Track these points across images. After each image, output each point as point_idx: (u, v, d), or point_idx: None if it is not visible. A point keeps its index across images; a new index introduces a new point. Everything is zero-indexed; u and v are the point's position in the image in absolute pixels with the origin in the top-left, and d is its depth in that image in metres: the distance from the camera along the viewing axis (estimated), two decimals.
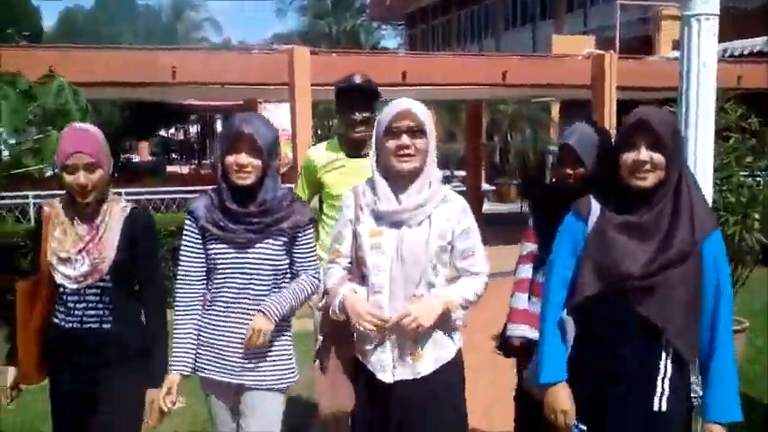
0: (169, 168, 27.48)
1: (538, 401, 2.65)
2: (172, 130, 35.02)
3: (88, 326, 2.74)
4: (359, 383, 2.73)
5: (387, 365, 2.64)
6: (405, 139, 2.59)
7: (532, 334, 3.07)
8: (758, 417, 4.54)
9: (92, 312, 2.74)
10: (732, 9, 16.46)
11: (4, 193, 7.07)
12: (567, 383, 2.50)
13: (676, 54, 4.16)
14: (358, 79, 3.64)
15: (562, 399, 2.50)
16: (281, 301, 2.75)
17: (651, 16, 18.00)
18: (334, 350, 2.76)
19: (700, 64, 4.24)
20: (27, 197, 9.32)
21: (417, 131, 2.60)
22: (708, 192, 3.84)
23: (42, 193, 8.78)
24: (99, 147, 2.71)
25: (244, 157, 2.66)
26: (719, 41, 11.96)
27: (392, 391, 2.64)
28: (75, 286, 2.72)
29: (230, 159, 2.67)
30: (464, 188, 15.84)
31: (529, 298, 3.22)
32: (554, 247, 2.61)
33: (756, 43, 13.52)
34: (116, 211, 2.77)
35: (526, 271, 3.22)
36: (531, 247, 3.23)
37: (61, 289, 2.75)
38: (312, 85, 9.19)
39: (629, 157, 2.38)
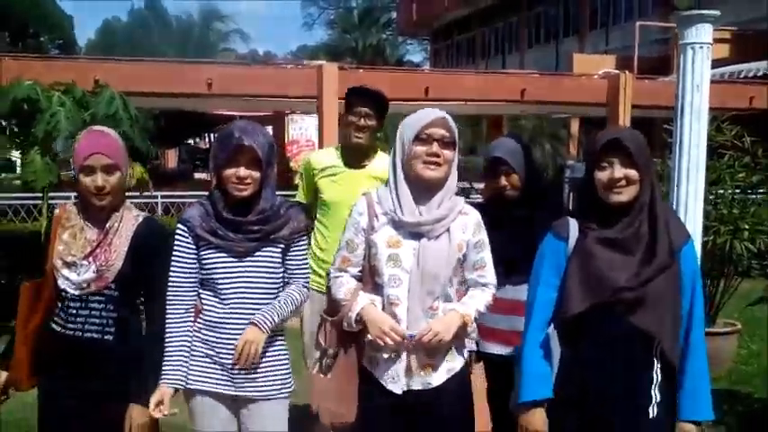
0: (196, 175, 28.13)
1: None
2: (197, 139, 35.70)
3: (89, 335, 2.66)
4: (365, 393, 2.68)
5: (399, 377, 2.61)
6: (435, 147, 2.56)
7: (486, 348, 3.17)
8: (749, 409, 4.94)
9: (94, 321, 2.66)
10: (750, 30, 16.80)
11: (61, 193, 7.52)
12: (553, 400, 2.52)
13: None
14: (368, 86, 3.63)
15: (536, 421, 2.52)
16: (272, 313, 2.68)
17: (670, 37, 18.34)
18: (343, 358, 2.72)
19: (694, 87, 4.68)
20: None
21: (448, 142, 2.58)
22: (700, 201, 4.26)
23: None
24: (118, 149, 2.66)
25: (243, 171, 2.60)
26: (735, 63, 12.45)
27: (401, 402, 2.62)
28: (77, 292, 2.64)
29: (229, 172, 2.60)
30: (482, 200, 16.18)
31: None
32: (535, 269, 2.61)
33: (761, 66, 13.76)
34: (128, 219, 2.70)
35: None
36: None
37: (63, 294, 2.66)
38: (340, 99, 9.71)
39: (604, 175, 2.44)
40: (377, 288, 2.64)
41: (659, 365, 2.45)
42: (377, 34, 41.64)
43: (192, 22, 45.81)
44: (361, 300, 2.62)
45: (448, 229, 2.60)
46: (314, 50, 47.01)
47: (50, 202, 7.38)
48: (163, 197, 9.17)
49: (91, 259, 2.63)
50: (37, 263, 2.77)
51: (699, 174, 4.46)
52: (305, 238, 2.82)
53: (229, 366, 2.68)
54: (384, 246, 2.60)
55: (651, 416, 2.44)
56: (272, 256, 2.70)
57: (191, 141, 35.05)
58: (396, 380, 2.61)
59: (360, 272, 2.70)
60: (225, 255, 2.65)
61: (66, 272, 2.64)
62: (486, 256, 2.71)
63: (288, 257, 2.76)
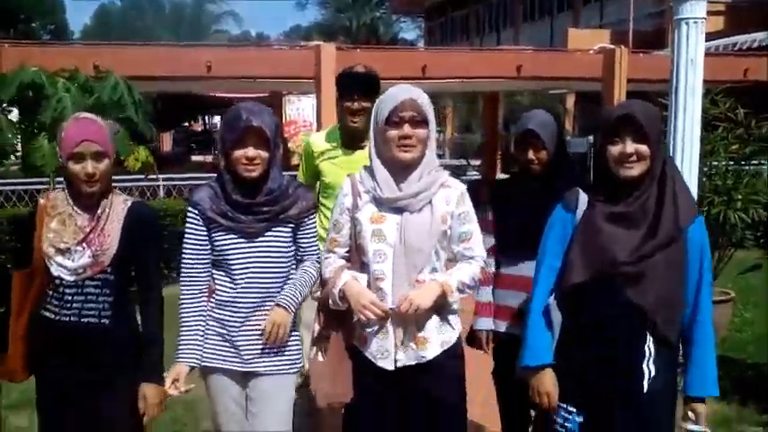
0: (192, 158, 28.18)
1: (521, 383, 2.68)
2: (191, 122, 35.69)
3: (86, 320, 2.65)
4: (357, 372, 2.68)
5: (389, 352, 2.61)
6: (407, 129, 2.56)
7: (497, 326, 3.15)
8: (743, 374, 5.09)
9: (91, 306, 2.65)
10: (744, 2, 16.83)
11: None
12: (552, 368, 2.56)
13: None
14: (360, 68, 3.61)
15: (546, 382, 2.55)
16: (295, 293, 2.74)
17: (665, 10, 18.38)
18: (334, 339, 2.73)
19: (688, 61, 4.79)
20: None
21: (419, 121, 2.58)
22: (694, 175, 4.38)
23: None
24: (106, 136, 2.66)
25: (252, 151, 2.62)
26: (730, 35, 12.52)
27: (394, 378, 2.62)
28: (73, 278, 2.63)
29: (238, 153, 2.62)
30: (480, 176, 16.35)
31: (493, 291, 3.19)
32: (543, 239, 2.64)
33: (762, 36, 13.83)
34: (117, 203, 2.70)
35: (489, 264, 3.10)
36: (491, 240, 3.15)
37: (57, 281, 2.64)
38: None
39: (615, 149, 2.43)
40: (364, 267, 2.65)
41: (652, 340, 2.45)
42: (370, 13, 41.39)
43: (185, 3, 45.75)
44: (343, 276, 2.63)
45: (430, 202, 2.61)
46: (307, 30, 46.82)
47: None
48: (164, 179, 9.26)
49: (85, 245, 2.62)
50: (23, 252, 2.75)
51: (693, 147, 4.57)
52: (314, 215, 2.85)
53: (238, 344, 2.73)
54: (368, 222, 2.62)
55: (645, 388, 2.45)
56: (282, 236, 2.73)
57: (185, 124, 35.01)
58: (385, 355, 2.61)
59: (348, 252, 2.72)
60: (235, 236, 2.68)
61: (59, 259, 2.62)
62: (472, 228, 2.70)
63: (298, 236, 2.79)
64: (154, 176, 9.13)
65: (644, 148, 2.40)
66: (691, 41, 4.76)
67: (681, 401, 2.60)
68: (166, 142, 34.81)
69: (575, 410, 2.51)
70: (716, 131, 5.62)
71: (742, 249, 6.21)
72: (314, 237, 2.85)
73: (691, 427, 2.53)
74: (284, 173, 2.83)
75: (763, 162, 5.80)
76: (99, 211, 2.66)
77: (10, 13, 34.54)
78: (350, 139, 3.66)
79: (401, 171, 2.61)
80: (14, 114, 6.80)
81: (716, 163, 5.62)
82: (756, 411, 4.49)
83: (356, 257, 2.68)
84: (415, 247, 2.57)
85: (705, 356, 2.51)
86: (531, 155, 3.02)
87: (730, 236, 5.61)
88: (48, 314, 2.68)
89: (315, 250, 2.84)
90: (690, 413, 2.53)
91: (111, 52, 9.46)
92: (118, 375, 2.67)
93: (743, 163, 5.69)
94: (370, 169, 2.68)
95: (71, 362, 2.65)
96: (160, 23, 38.60)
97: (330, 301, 2.67)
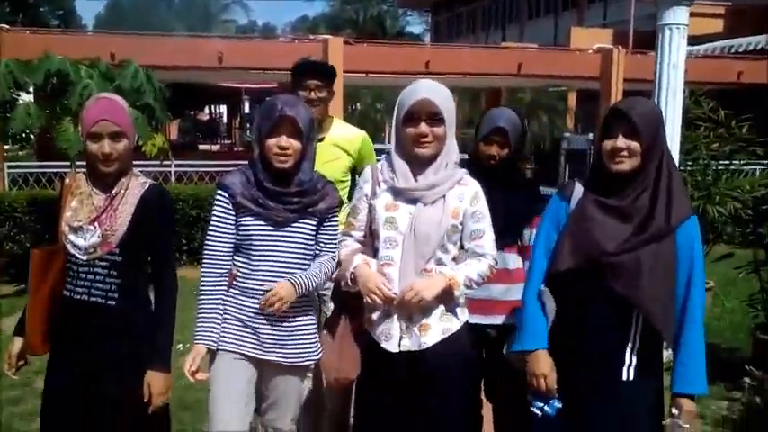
0: (200, 147, 28.56)
1: (514, 369, 2.73)
2: (196, 111, 36.04)
3: (94, 299, 2.66)
4: (365, 352, 2.76)
5: (393, 335, 2.67)
6: (423, 127, 2.61)
7: (485, 320, 3.14)
8: (718, 357, 5.43)
9: (99, 286, 2.66)
10: (742, 5, 17.12)
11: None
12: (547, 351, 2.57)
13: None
14: (314, 58, 3.57)
15: (543, 364, 2.56)
16: (309, 277, 2.74)
17: None
18: (344, 320, 2.82)
19: (670, 65, 5.17)
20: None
21: (436, 119, 2.62)
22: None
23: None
24: (125, 116, 2.65)
25: (285, 140, 2.65)
26: (728, 37, 12.84)
27: (397, 361, 2.67)
28: (84, 257, 2.64)
29: (272, 142, 2.65)
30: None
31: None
32: (538, 226, 2.71)
33: (761, 41, 14.08)
34: (134, 185, 2.70)
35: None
36: None
37: (72, 259, 2.66)
38: (344, 72, 10.19)
39: (607, 144, 2.47)
40: (377, 252, 2.73)
41: (638, 331, 2.49)
42: (377, 6, 41.68)
43: None
44: (356, 260, 2.72)
45: (444, 197, 2.67)
46: (314, 22, 47.13)
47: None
48: (176, 166, 9.67)
49: (96, 224, 2.63)
50: (49, 230, 2.80)
51: (674, 144, 4.96)
52: (338, 213, 2.87)
53: (258, 330, 2.74)
54: (382, 209, 2.70)
55: (624, 378, 2.49)
56: (307, 228, 2.75)
57: (191, 113, 35.36)
58: (389, 338, 2.68)
59: (363, 236, 2.81)
60: (263, 222, 2.70)
61: (73, 237, 2.64)
62: (484, 227, 2.74)
63: (321, 231, 2.81)
64: (168, 162, 9.52)
65: (635, 144, 2.43)
66: (673, 46, 5.14)
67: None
68: (173, 131, 35.18)
69: (555, 397, 2.54)
70: (698, 130, 5.98)
71: (731, 245, 6.44)
72: (335, 234, 2.85)
73: (669, 421, 2.53)
74: None
75: (742, 160, 6.16)
76: (114, 192, 2.66)
77: None
78: None
79: (419, 164, 2.67)
80: (24, 98, 7.12)
81: (697, 159, 5.98)
82: (726, 389, 4.86)
83: (370, 242, 2.77)
84: (423, 237, 2.63)
85: (694, 355, 2.50)
86: (494, 151, 3.11)
87: (711, 229, 5.97)
88: (65, 292, 2.70)
89: (333, 247, 2.85)
90: (673, 409, 2.52)
91: (128, 42, 9.87)
92: (124, 358, 2.66)
93: (722, 161, 6.05)
94: (389, 160, 2.75)
95: (81, 338, 2.66)
96: (171, 13, 39.09)
97: (342, 283, 2.77)
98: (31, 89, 7.19)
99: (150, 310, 2.73)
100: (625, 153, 2.43)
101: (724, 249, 6.28)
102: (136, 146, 7.01)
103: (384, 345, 2.68)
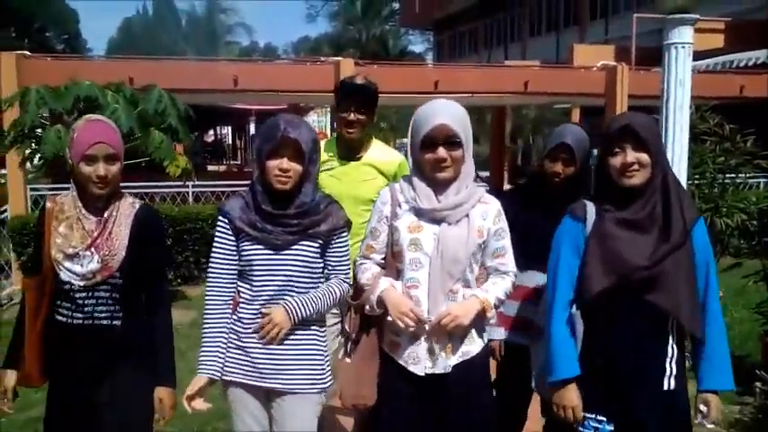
0: (208, 168, 28.85)
1: (522, 405, 2.84)
2: (200, 133, 36.42)
3: (99, 323, 2.64)
4: (387, 377, 2.72)
5: (420, 358, 2.65)
6: (441, 152, 2.59)
7: (507, 337, 3.20)
8: None
9: (102, 308, 2.64)
10: (741, 21, 17.38)
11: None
12: (576, 381, 2.56)
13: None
14: (360, 80, 3.57)
15: (572, 396, 2.55)
16: (306, 302, 2.66)
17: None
18: (363, 343, 2.78)
19: (677, 82, 5.37)
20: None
21: (454, 142, 2.60)
22: (683, 184, 4.93)
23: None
24: (119, 139, 2.64)
25: (286, 163, 2.58)
26: (729, 52, 13.07)
27: (422, 384, 2.65)
28: (83, 283, 2.60)
29: (272, 164, 2.58)
30: (487, 188, 16.84)
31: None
32: (554, 251, 2.65)
33: (761, 55, 14.32)
34: (125, 207, 2.69)
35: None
36: None
37: (67, 286, 2.61)
38: None
39: (616, 160, 2.50)
40: (399, 274, 2.70)
41: (675, 340, 2.52)
42: (380, 26, 42.08)
43: (199, 17, 46.82)
44: (382, 283, 2.68)
45: (467, 215, 2.65)
46: (316, 42, 47.57)
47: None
48: (193, 186, 9.92)
49: (93, 250, 2.60)
50: (34, 258, 2.74)
51: (682, 158, 5.15)
52: (346, 233, 2.78)
53: (258, 359, 2.67)
54: (406, 231, 2.65)
55: (666, 388, 2.51)
56: (309, 251, 2.67)
57: (196, 135, 35.67)
58: (416, 361, 2.65)
59: (383, 259, 2.76)
60: (262, 247, 2.64)
61: (68, 264, 2.60)
62: (506, 244, 2.74)
63: (328, 253, 2.74)
64: (182, 183, 9.74)
65: (644, 157, 2.47)
66: (679, 64, 5.35)
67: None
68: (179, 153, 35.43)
69: (604, 419, 2.53)
70: (704, 145, 6.18)
71: (738, 258, 6.59)
72: (344, 254, 2.78)
73: (700, 420, 2.57)
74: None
75: (747, 173, 6.35)
76: (106, 215, 2.64)
77: (25, 22, 35.29)
78: (346, 150, 3.60)
79: (441, 185, 2.65)
80: None
81: (704, 173, 6.18)
82: (737, 394, 5.03)
83: (392, 264, 2.72)
84: (451, 257, 2.60)
85: (718, 351, 2.53)
86: (559, 168, 3.05)
87: (718, 241, 6.15)
88: (60, 318, 2.66)
89: (344, 269, 2.78)
90: (701, 406, 2.56)
91: (145, 66, 10.14)
92: (131, 375, 2.66)
93: (728, 173, 6.25)
94: (409, 180, 2.72)
95: (84, 363, 2.64)
96: (178, 37, 39.86)
97: (367, 307, 2.71)
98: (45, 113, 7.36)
99: (148, 326, 2.73)
100: (636, 167, 2.48)
101: (731, 262, 6.44)
102: (161, 166, 7.26)
103: (411, 368, 2.66)
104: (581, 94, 12.90)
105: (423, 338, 2.64)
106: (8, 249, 9.02)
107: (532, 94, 12.44)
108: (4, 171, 15.64)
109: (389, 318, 2.64)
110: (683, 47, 5.33)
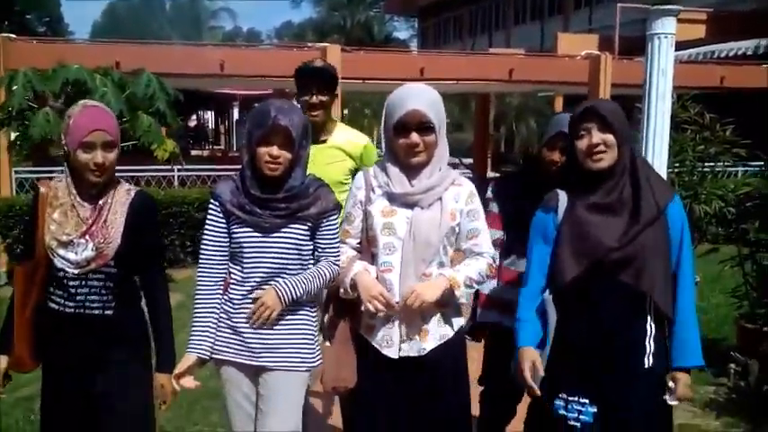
0: (192, 152, 28.84)
1: (513, 385, 2.74)
2: (184, 117, 36.38)
3: (91, 312, 2.61)
4: (363, 359, 2.74)
5: (394, 341, 2.67)
6: (414, 137, 2.60)
7: (501, 319, 3.14)
8: (703, 347, 5.75)
9: (94, 298, 2.61)
10: (725, 12, 17.59)
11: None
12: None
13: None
14: (318, 63, 3.59)
15: (528, 353, 2.59)
16: (296, 284, 2.66)
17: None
18: (341, 326, 2.79)
19: (659, 72, 5.48)
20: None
21: (427, 128, 2.61)
22: (664, 172, 5.03)
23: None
24: (115, 125, 2.60)
25: (276, 150, 2.58)
26: (710, 43, 13.23)
27: (397, 367, 2.67)
28: (77, 271, 2.57)
29: (262, 150, 2.59)
30: (471, 175, 17.05)
31: (497, 284, 3.22)
32: (529, 240, 2.69)
33: (742, 46, 14.53)
34: (121, 194, 2.65)
35: (495, 263, 3.08)
36: (497, 234, 3.18)
37: (61, 273, 2.58)
38: (342, 79, 10.51)
39: (582, 142, 2.52)
40: (374, 258, 2.71)
41: (653, 318, 2.54)
42: (364, 12, 41.98)
43: (182, 1, 46.66)
44: (355, 267, 2.70)
45: (440, 199, 2.66)
46: (299, 28, 47.41)
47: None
48: (179, 170, 9.97)
49: (88, 237, 2.56)
50: (26, 243, 2.71)
51: (663, 146, 5.26)
52: (335, 216, 2.78)
53: (248, 338, 2.70)
54: (379, 215, 2.68)
55: (646, 365, 2.53)
56: (298, 234, 2.68)
57: (180, 119, 35.56)
58: (390, 344, 2.68)
59: (359, 243, 2.79)
60: (250, 229, 2.65)
61: (62, 251, 2.56)
62: (479, 225, 2.75)
63: (318, 236, 2.75)
64: (168, 167, 9.80)
65: (610, 138, 2.49)
66: (662, 54, 5.45)
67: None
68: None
69: (587, 401, 2.54)
70: (685, 133, 6.32)
71: (715, 245, 6.76)
72: (334, 237, 2.79)
73: (666, 398, 2.58)
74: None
75: (726, 162, 6.50)
76: (101, 202, 2.60)
77: (5, 4, 34.84)
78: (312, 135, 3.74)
79: (413, 169, 2.68)
80: None
81: (684, 161, 6.33)
82: (713, 375, 5.20)
83: (367, 248, 2.75)
84: (423, 241, 2.62)
85: (688, 328, 2.56)
86: (557, 156, 3.05)
87: (696, 227, 6.31)
88: (53, 305, 2.64)
89: (333, 251, 2.79)
90: (670, 383, 2.58)
91: (131, 50, 10.13)
92: (124, 365, 2.65)
93: (707, 161, 6.40)
94: (382, 165, 2.74)
95: (80, 351, 2.62)
96: (164, 20, 39.71)
97: (341, 290, 2.74)
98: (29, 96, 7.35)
99: (142, 313, 2.74)
100: (602, 148, 2.49)
101: (709, 248, 6.60)
102: (148, 150, 7.30)
103: (385, 351, 2.68)
104: (565, 83, 13.04)
105: (395, 321, 2.67)
106: None
107: (517, 81, 12.57)
108: None
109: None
110: (666, 37, 5.43)
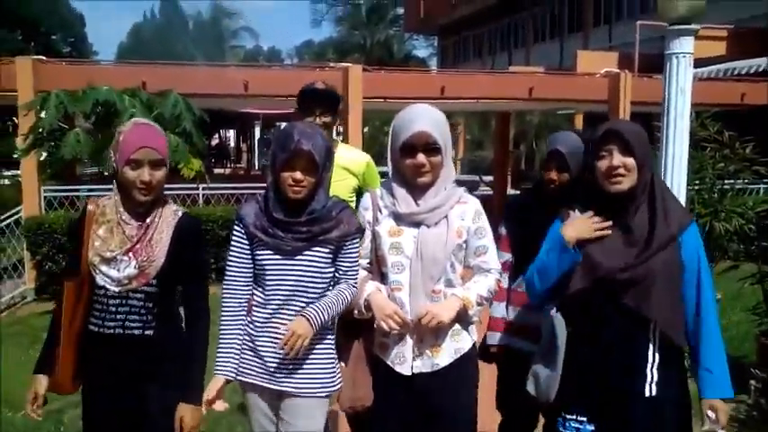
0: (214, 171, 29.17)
1: (529, 406, 2.80)
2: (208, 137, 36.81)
3: (131, 332, 2.61)
4: (377, 377, 2.77)
5: (406, 358, 2.72)
6: (420, 158, 2.64)
7: (509, 341, 3.21)
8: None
9: (135, 318, 2.60)
10: (745, 28, 17.55)
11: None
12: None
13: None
14: (320, 85, 3.65)
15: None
16: (323, 309, 2.67)
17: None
18: (356, 346, 2.83)
19: (678, 91, 5.53)
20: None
21: (433, 149, 2.65)
22: (683, 190, 5.08)
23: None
24: (164, 144, 2.62)
25: (299, 174, 2.60)
26: (732, 59, 13.21)
27: (410, 384, 2.72)
28: (117, 289, 2.56)
29: (286, 174, 2.61)
30: (491, 192, 17.12)
31: (506, 307, 3.26)
32: (542, 249, 2.70)
33: (763, 63, 14.42)
34: (167, 214, 2.65)
35: (503, 280, 3.13)
36: (506, 256, 3.21)
37: (102, 291, 2.58)
38: (363, 98, 10.67)
39: (603, 163, 2.52)
40: (384, 277, 2.76)
41: (656, 346, 2.52)
42: (384, 30, 42.24)
43: (204, 21, 47.34)
44: (368, 287, 2.75)
45: (446, 217, 2.71)
46: (320, 46, 47.82)
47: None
48: (204, 189, 10.12)
49: (131, 255, 2.56)
50: (72, 260, 2.67)
51: (682, 165, 5.30)
52: (357, 239, 2.80)
53: (269, 361, 2.71)
54: (387, 235, 2.73)
55: (647, 394, 2.51)
56: (320, 257, 2.70)
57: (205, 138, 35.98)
58: (402, 361, 2.72)
59: (369, 263, 2.83)
60: (273, 252, 2.67)
61: (104, 268, 2.56)
62: (487, 242, 2.79)
63: (339, 258, 2.76)
64: (194, 186, 9.96)
65: (630, 161, 2.50)
66: (680, 73, 5.50)
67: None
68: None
69: (585, 419, 2.55)
70: (704, 151, 6.36)
71: (736, 262, 6.76)
72: (355, 261, 2.80)
73: (710, 427, 2.57)
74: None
75: (746, 179, 6.52)
76: (148, 221, 2.60)
77: (31, 26, 35.54)
78: None
79: (419, 189, 2.72)
80: None
81: (704, 179, 6.36)
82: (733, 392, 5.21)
83: (376, 268, 2.80)
84: (430, 259, 2.67)
85: (714, 358, 2.55)
86: (553, 175, 3.09)
87: (717, 245, 6.33)
88: (92, 327, 2.63)
89: (353, 274, 2.80)
90: (709, 412, 2.57)
91: (158, 71, 10.35)
92: (163, 388, 2.63)
93: (727, 179, 6.43)
94: (389, 186, 2.79)
95: (119, 372, 2.61)
96: (187, 40, 40.40)
97: (355, 311, 2.78)
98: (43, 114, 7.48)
99: (183, 335, 2.71)
100: (622, 170, 2.49)
101: (729, 265, 6.62)
102: (174, 168, 7.46)
103: (398, 368, 2.74)
104: (584, 101, 13.09)
105: (408, 339, 2.72)
106: (22, 249, 9.22)
107: (537, 100, 12.63)
108: (7, 173, 15.85)
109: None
110: (684, 57, 5.47)
